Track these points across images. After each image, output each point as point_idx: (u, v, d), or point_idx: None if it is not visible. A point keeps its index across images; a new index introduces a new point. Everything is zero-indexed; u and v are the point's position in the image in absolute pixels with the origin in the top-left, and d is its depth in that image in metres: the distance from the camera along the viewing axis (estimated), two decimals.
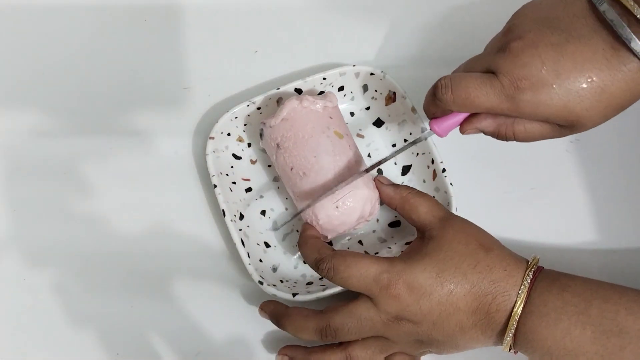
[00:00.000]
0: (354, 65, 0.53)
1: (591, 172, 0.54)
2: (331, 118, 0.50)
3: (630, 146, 0.55)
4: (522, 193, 0.54)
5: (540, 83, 0.41)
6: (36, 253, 0.52)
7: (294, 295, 0.47)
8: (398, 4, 0.58)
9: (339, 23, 0.58)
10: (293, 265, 0.52)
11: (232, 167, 0.53)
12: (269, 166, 0.54)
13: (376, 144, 0.55)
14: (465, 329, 0.43)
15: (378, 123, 0.55)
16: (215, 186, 0.50)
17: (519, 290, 0.42)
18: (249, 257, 0.49)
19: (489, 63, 0.43)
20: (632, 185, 0.54)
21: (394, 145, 0.54)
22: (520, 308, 0.42)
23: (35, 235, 0.53)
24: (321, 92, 0.54)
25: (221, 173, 0.52)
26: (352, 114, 0.55)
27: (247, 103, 0.52)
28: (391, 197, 0.49)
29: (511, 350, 0.43)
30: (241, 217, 0.52)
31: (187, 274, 0.52)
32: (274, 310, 0.48)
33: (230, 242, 0.51)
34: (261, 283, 0.48)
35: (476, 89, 0.42)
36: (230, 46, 0.57)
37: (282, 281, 0.50)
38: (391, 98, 0.54)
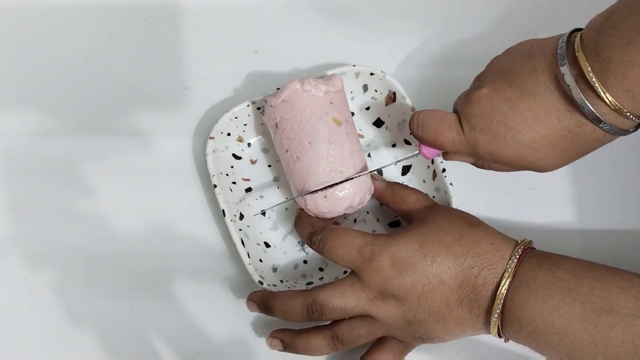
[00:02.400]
0: (354, 65, 0.53)
1: (591, 172, 0.54)
2: (332, 104, 0.49)
3: (631, 146, 0.55)
4: (522, 193, 0.54)
5: (494, 134, 0.43)
6: (36, 253, 0.52)
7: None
8: (398, 4, 0.58)
9: (339, 23, 0.58)
10: (293, 265, 0.52)
11: (232, 167, 0.53)
12: (269, 166, 0.54)
13: (376, 144, 0.55)
14: (451, 306, 0.43)
15: (378, 123, 0.55)
16: (215, 186, 0.50)
17: (507, 264, 0.42)
18: (249, 257, 0.49)
19: (459, 105, 0.45)
20: (633, 185, 0.54)
21: (394, 145, 0.54)
22: (508, 281, 0.41)
23: (35, 235, 0.53)
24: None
25: (221, 173, 0.52)
26: (352, 113, 0.55)
27: (247, 103, 0.52)
28: (382, 190, 0.50)
29: (501, 336, 0.42)
30: (241, 217, 0.52)
31: (187, 274, 0.52)
32: (261, 297, 0.47)
33: (230, 242, 0.51)
34: (261, 283, 0.48)
35: (442, 133, 0.45)
36: (230, 46, 0.57)
37: (282, 281, 0.50)
38: (391, 98, 0.54)
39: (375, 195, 0.51)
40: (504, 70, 0.43)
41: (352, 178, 0.48)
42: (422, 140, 0.47)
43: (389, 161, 0.53)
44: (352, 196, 0.48)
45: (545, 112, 0.41)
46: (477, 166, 0.48)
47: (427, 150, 0.48)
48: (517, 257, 0.42)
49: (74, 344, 0.51)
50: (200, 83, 0.56)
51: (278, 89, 0.52)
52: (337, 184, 0.48)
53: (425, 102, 0.52)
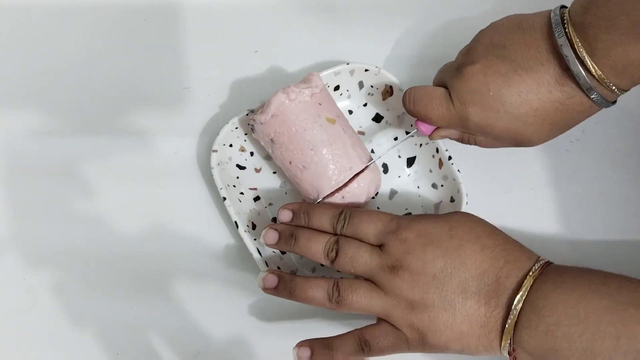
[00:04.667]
0: (347, 64, 0.53)
1: (591, 172, 0.54)
2: (320, 104, 0.49)
3: (630, 146, 0.55)
4: (522, 193, 0.54)
5: (487, 108, 0.43)
6: (36, 253, 0.52)
7: None
8: (397, 3, 0.58)
9: (339, 23, 0.58)
10: (310, 269, 0.52)
11: (237, 177, 0.53)
12: (274, 172, 0.54)
13: (378, 139, 0.55)
14: (468, 293, 0.41)
15: (377, 118, 0.55)
16: (224, 199, 0.50)
17: (534, 263, 0.42)
18: (267, 265, 0.49)
19: (449, 80, 0.45)
20: (633, 185, 0.54)
21: (395, 139, 0.54)
22: (536, 274, 0.41)
23: (35, 235, 0.53)
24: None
25: (228, 185, 0.52)
26: (350, 112, 0.55)
27: (246, 112, 0.52)
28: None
29: (511, 345, 0.40)
30: (253, 226, 0.51)
31: (187, 274, 0.52)
32: (283, 231, 0.47)
33: (231, 241, 0.51)
34: None
35: (433, 107, 0.45)
36: (230, 46, 0.57)
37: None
38: (388, 92, 0.54)
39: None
40: (495, 45, 0.43)
41: (362, 171, 0.49)
42: (415, 115, 0.47)
43: (393, 154, 0.54)
44: (367, 187, 0.49)
45: (537, 86, 0.42)
46: (462, 141, 0.48)
47: (425, 127, 0.48)
48: (546, 260, 0.42)
49: (74, 344, 0.51)
50: (200, 83, 0.56)
51: (263, 102, 0.52)
52: (349, 182, 0.48)
53: None
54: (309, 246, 0.45)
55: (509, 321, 0.40)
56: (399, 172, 0.54)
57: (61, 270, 0.52)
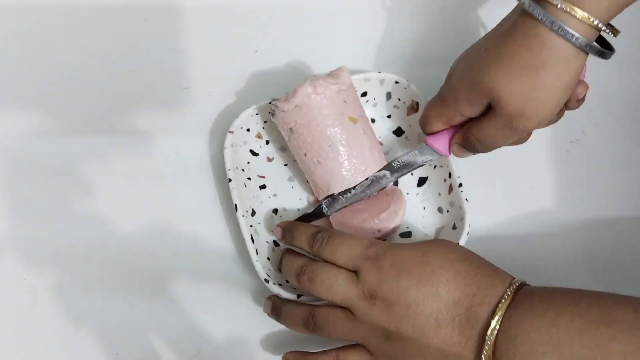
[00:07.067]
0: (379, 72, 0.53)
1: (591, 172, 0.54)
2: (345, 102, 0.49)
3: (630, 146, 0.55)
4: (522, 193, 0.54)
5: (451, 74, 0.46)
6: (36, 253, 0.52)
7: (298, 296, 0.47)
8: (397, 3, 0.58)
9: (339, 23, 0.58)
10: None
11: (248, 162, 0.53)
12: (285, 165, 0.54)
13: (394, 153, 0.54)
14: (441, 323, 0.40)
15: (398, 132, 0.55)
16: (230, 180, 0.50)
17: (507, 288, 0.40)
18: (257, 254, 0.49)
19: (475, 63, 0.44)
20: (633, 185, 0.54)
21: None
22: (508, 301, 0.39)
23: (35, 235, 0.53)
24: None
25: (237, 168, 0.51)
26: (373, 120, 0.55)
27: (269, 100, 0.51)
28: None
29: None
30: (253, 213, 0.51)
31: (187, 274, 0.52)
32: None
33: (232, 241, 0.51)
34: (267, 281, 0.48)
35: (429, 112, 0.47)
36: (230, 46, 0.57)
37: (288, 281, 0.50)
38: (413, 108, 0.53)
39: None
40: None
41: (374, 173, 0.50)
42: (428, 125, 0.48)
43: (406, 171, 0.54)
44: (400, 219, 0.50)
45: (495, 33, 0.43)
46: (467, 144, 0.46)
47: (438, 143, 0.48)
48: (518, 284, 0.41)
49: (74, 344, 0.51)
50: (200, 83, 0.56)
51: (286, 93, 0.52)
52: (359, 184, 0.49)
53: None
54: (285, 268, 0.47)
55: (484, 352, 0.39)
56: (408, 189, 0.53)
57: (61, 270, 0.52)
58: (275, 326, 0.50)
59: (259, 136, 0.54)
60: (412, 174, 0.53)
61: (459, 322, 0.40)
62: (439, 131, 0.48)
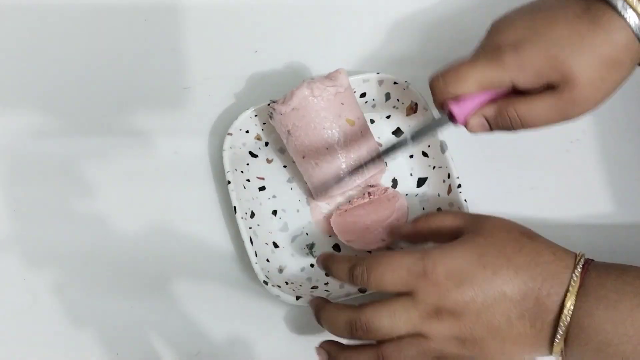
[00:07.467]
0: (378, 73, 0.53)
1: (591, 172, 0.54)
2: (343, 104, 0.49)
3: (630, 147, 0.55)
4: (522, 193, 0.54)
5: (519, 40, 0.42)
6: (36, 253, 0.52)
7: (297, 298, 0.47)
8: (397, 4, 0.58)
9: (339, 23, 0.58)
10: (300, 268, 0.52)
11: (247, 164, 0.53)
12: (285, 166, 0.54)
13: (393, 154, 0.54)
14: (513, 321, 0.40)
15: (397, 133, 0.55)
16: (229, 182, 0.50)
17: (572, 273, 0.39)
18: (256, 256, 0.48)
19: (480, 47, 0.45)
20: (633, 186, 0.54)
21: (411, 157, 0.54)
22: (576, 289, 0.39)
23: (35, 235, 0.53)
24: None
25: (236, 169, 0.51)
26: (372, 121, 0.55)
27: (268, 102, 0.51)
28: (414, 227, 0.47)
29: (562, 353, 0.40)
30: (252, 215, 0.51)
31: (187, 274, 0.52)
32: (315, 304, 0.45)
33: (231, 241, 0.51)
34: (266, 283, 0.48)
35: (466, 70, 0.43)
36: (230, 46, 0.57)
37: (287, 283, 0.50)
38: (412, 109, 0.53)
39: (410, 238, 0.48)
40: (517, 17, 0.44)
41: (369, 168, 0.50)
42: (449, 88, 0.43)
43: (405, 171, 0.53)
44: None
45: (564, 14, 0.42)
46: (502, 121, 0.44)
47: (459, 108, 0.43)
48: (582, 265, 0.40)
49: (74, 344, 0.51)
50: (200, 83, 0.56)
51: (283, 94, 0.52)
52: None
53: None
54: (331, 327, 0.43)
55: (556, 340, 0.39)
56: (408, 190, 0.53)
57: (61, 270, 0.52)
58: (275, 326, 0.50)
59: (258, 138, 0.54)
60: (411, 174, 0.53)
61: (530, 317, 0.40)
62: (464, 95, 0.43)
